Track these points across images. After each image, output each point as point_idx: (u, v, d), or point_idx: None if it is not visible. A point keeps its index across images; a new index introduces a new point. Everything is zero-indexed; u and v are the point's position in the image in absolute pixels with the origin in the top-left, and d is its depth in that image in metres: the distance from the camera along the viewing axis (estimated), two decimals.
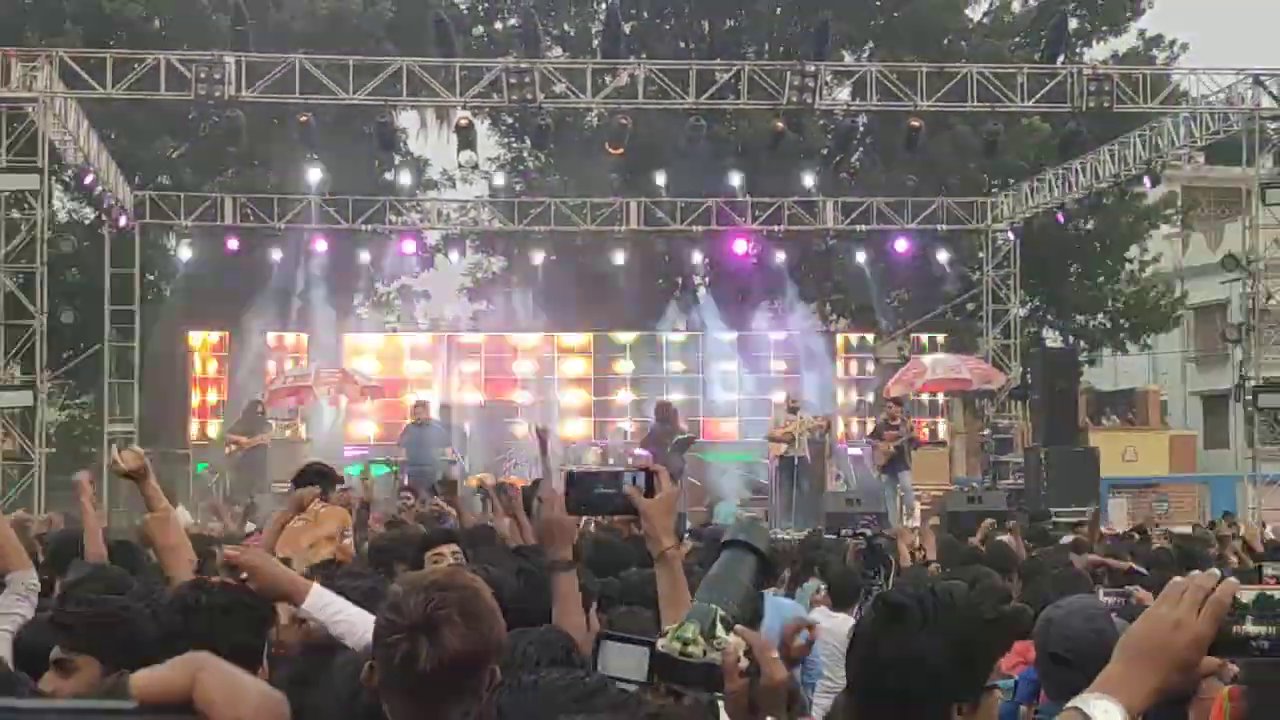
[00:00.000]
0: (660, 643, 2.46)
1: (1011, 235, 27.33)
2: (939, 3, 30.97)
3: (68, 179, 26.93)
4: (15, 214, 21.06)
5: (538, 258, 28.26)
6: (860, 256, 28.54)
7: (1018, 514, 18.30)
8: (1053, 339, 32.66)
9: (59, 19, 26.26)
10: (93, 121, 22.34)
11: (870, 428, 22.60)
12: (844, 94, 26.01)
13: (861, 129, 29.12)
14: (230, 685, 1.19)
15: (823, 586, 9.05)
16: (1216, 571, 2.11)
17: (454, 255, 30.73)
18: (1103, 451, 23.40)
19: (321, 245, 25.85)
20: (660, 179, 26.44)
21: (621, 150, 22.98)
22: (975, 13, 33.04)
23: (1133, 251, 32.76)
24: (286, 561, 4.76)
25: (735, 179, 26.95)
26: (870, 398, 26.34)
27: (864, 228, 27.19)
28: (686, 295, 32.27)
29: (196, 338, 25.21)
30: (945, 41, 30.83)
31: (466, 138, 23.27)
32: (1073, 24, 29.13)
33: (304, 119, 21.51)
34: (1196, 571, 2.13)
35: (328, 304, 26.56)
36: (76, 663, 3.83)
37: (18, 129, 20.01)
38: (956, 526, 16.63)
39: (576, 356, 26.65)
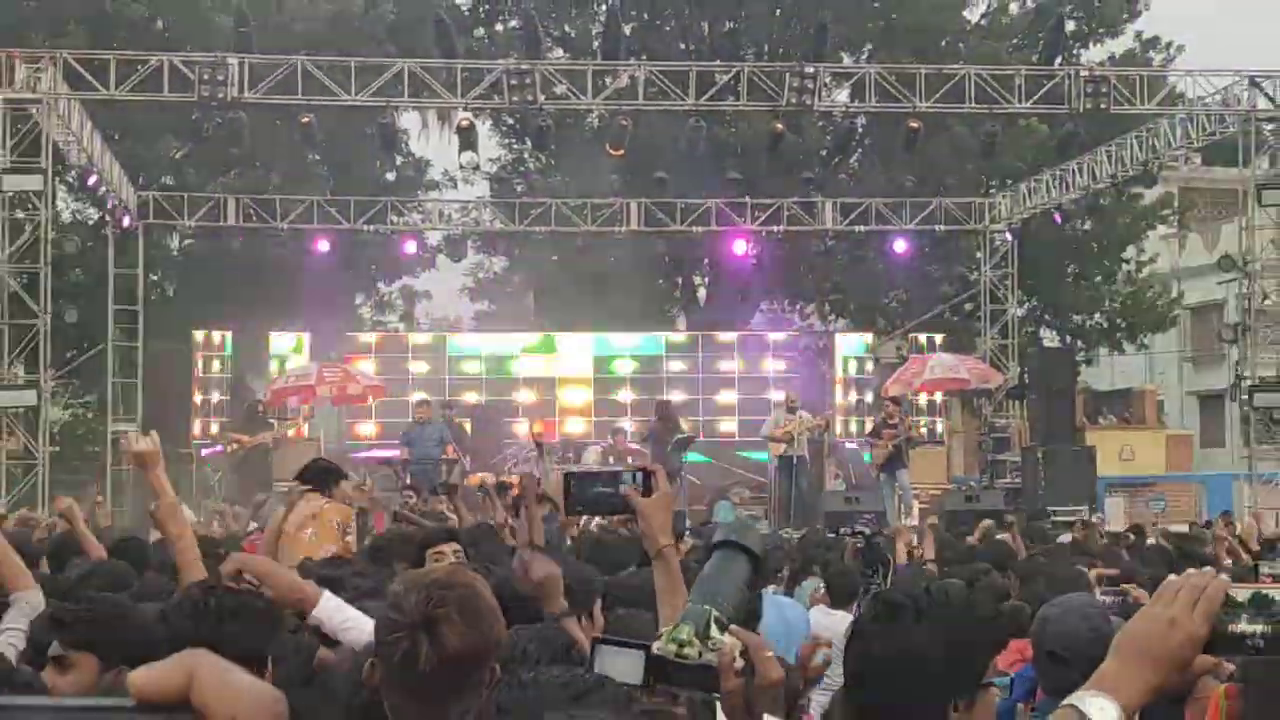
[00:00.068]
0: (655, 645, 2.45)
1: (1009, 236, 27.36)
2: (937, 5, 30.96)
3: (71, 179, 26.98)
4: (19, 214, 21.08)
5: (538, 258, 28.27)
6: (859, 257, 28.57)
7: (1016, 513, 18.37)
8: (1050, 339, 32.64)
9: (63, 20, 26.29)
10: (96, 122, 22.39)
11: (869, 427, 22.67)
12: (843, 95, 26.05)
13: (860, 130, 29.12)
14: (227, 684, 1.21)
15: (822, 585, 9.08)
16: (1211, 570, 2.13)
17: (454, 256, 30.78)
18: (1100, 450, 23.46)
19: (324, 245, 25.89)
20: (660, 179, 26.46)
21: (622, 151, 23.00)
22: (973, 15, 33.03)
23: (1130, 252, 32.75)
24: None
25: (735, 180, 26.96)
26: (869, 397, 26.39)
27: (863, 228, 27.21)
28: (686, 295, 32.33)
29: (199, 337, 25.29)
30: (943, 43, 30.83)
31: (468, 139, 23.30)
32: (1070, 26, 29.10)
33: (306, 120, 21.54)
34: (1192, 570, 2.14)
35: (330, 304, 26.57)
36: (73, 659, 3.83)
37: (22, 130, 20.05)
38: (954, 525, 16.70)
39: (577, 356, 26.71)
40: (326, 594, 3.93)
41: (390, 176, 29.52)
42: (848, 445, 25.19)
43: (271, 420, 22.24)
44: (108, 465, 23.40)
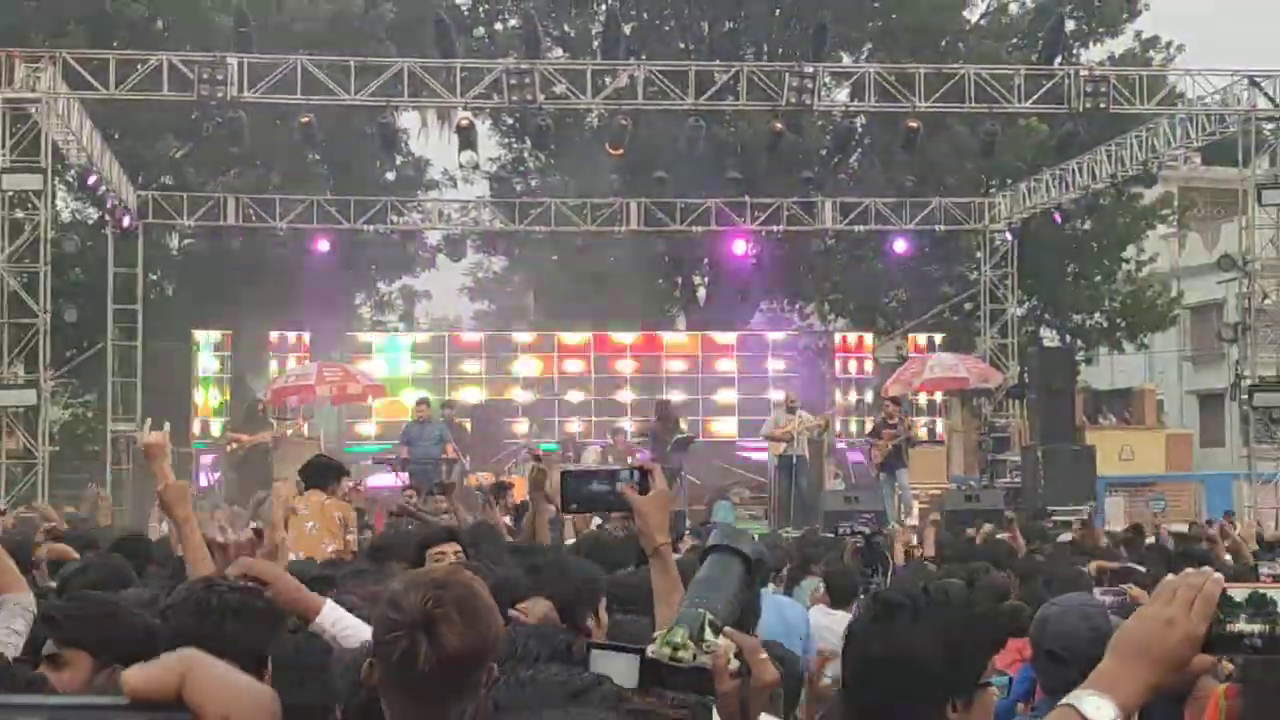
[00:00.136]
0: (650, 648, 2.45)
1: (1009, 235, 27.38)
2: (937, 4, 30.98)
3: (71, 179, 27.00)
4: (19, 214, 21.10)
5: (538, 258, 28.30)
6: (858, 257, 28.60)
7: (1016, 512, 18.38)
8: (1050, 338, 32.66)
9: (62, 20, 26.31)
10: (96, 122, 22.40)
11: (869, 427, 22.69)
12: (842, 95, 26.10)
13: (860, 130, 29.15)
14: (220, 682, 1.21)
15: (821, 584, 9.09)
16: (1209, 569, 2.11)
17: (455, 255, 30.81)
18: (1099, 450, 23.45)
19: (323, 245, 25.91)
20: (660, 179, 26.49)
21: (621, 151, 23.02)
22: (973, 14, 33.07)
23: (1129, 251, 32.76)
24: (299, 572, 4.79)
25: (734, 179, 26.99)
26: (869, 397, 26.42)
27: (862, 228, 27.24)
28: (686, 295, 32.35)
29: (199, 337, 25.32)
30: (943, 43, 30.85)
31: (467, 138, 23.32)
32: (1070, 26, 29.11)
33: (306, 119, 21.56)
34: (1190, 569, 2.13)
35: (329, 303, 26.59)
36: (66, 657, 3.82)
37: (21, 129, 20.07)
38: (955, 524, 16.71)
39: (576, 356, 26.73)
40: (329, 602, 3.94)
41: (390, 176, 29.53)
42: (839, 445, 25.25)
43: (272, 420, 22.27)
44: (107, 464, 23.43)
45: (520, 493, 14.32)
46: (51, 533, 8.82)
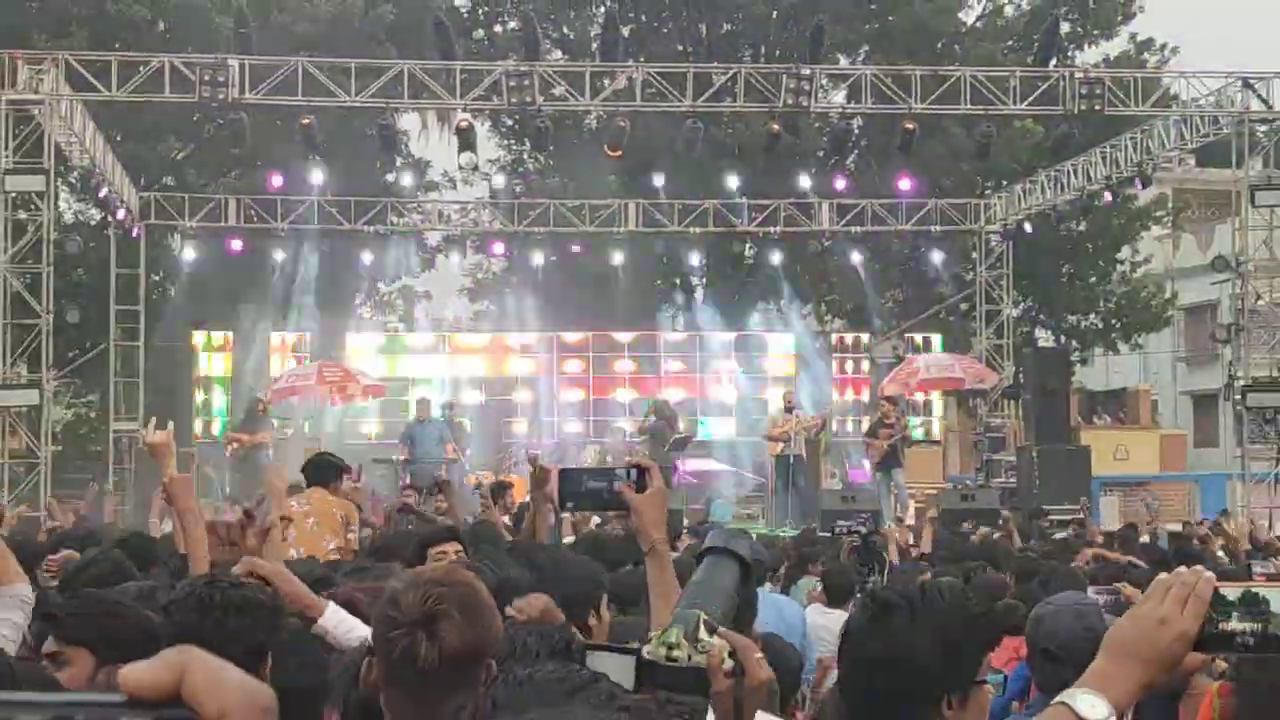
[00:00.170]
0: (645, 649, 2.47)
1: (1004, 236, 27.44)
2: (932, 7, 31.00)
3: (73, 180, 27.01)
4: (22, 215, 21.17)
5: (537, 259, 28.31)
6: (855, 257, 28.62)
7: (1012, 511, 18.43)
8: (1045, 339, 32.69)
9: (65, 22, 26.35)
10: (98, 123, 22.46)
11: (865, 426, 22.71)
12: (839, 97, 26.05)
13: (856, 131, 29.17)
14: (217, 679, 1.23)
15: (818, 583, 9.14)
16: (1202, 568, 2.13)
17: (454, 256, 30.83)
18: (1094, 450, 23.46)
19: (324, 246, 25.93)
20: (658, 181, 26.50)
21: (620, 152, 23.04)
22: (968, 17, 33.10)
23: (1124, 253, 32.80)
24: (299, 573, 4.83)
25: (732, 181, 27.02)
26: (865, 397, 26.45)
27: (859, 229, 27.28)
28: (684, 295, 32.33)
29: (200, 337, 25.34)
30: (939, 45, 30.88)
31: (467, 140, 23.34)
32: (1064, 28, 29.12)
33: (306, 121, 21.58)
34: (1183, 568, 2.14)
35: (330, 304, 26.60)
36: (66, 655, 3.80)
37: (24, 131, 20.12)
38: (951, 524, 16.75)
39: (576, 356, 26.76)
40: (332, 605, 3.97)
41: (390, 177, 29.54)
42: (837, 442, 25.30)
43: (272, 420, 22.29)
44: (109, 464, 23.45)
45: (520, 493, 14.36)
46: (53, 532, 8.85)
